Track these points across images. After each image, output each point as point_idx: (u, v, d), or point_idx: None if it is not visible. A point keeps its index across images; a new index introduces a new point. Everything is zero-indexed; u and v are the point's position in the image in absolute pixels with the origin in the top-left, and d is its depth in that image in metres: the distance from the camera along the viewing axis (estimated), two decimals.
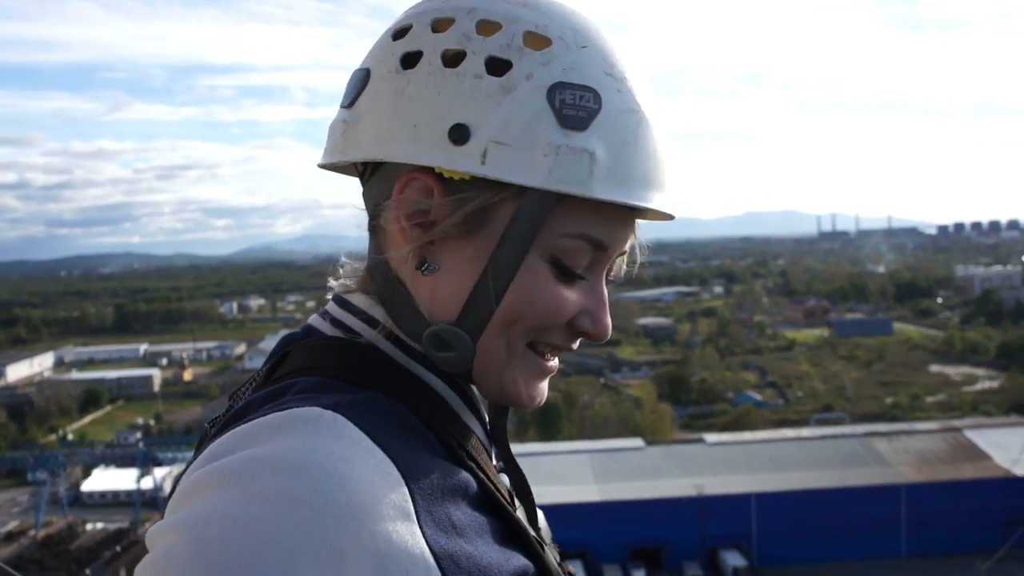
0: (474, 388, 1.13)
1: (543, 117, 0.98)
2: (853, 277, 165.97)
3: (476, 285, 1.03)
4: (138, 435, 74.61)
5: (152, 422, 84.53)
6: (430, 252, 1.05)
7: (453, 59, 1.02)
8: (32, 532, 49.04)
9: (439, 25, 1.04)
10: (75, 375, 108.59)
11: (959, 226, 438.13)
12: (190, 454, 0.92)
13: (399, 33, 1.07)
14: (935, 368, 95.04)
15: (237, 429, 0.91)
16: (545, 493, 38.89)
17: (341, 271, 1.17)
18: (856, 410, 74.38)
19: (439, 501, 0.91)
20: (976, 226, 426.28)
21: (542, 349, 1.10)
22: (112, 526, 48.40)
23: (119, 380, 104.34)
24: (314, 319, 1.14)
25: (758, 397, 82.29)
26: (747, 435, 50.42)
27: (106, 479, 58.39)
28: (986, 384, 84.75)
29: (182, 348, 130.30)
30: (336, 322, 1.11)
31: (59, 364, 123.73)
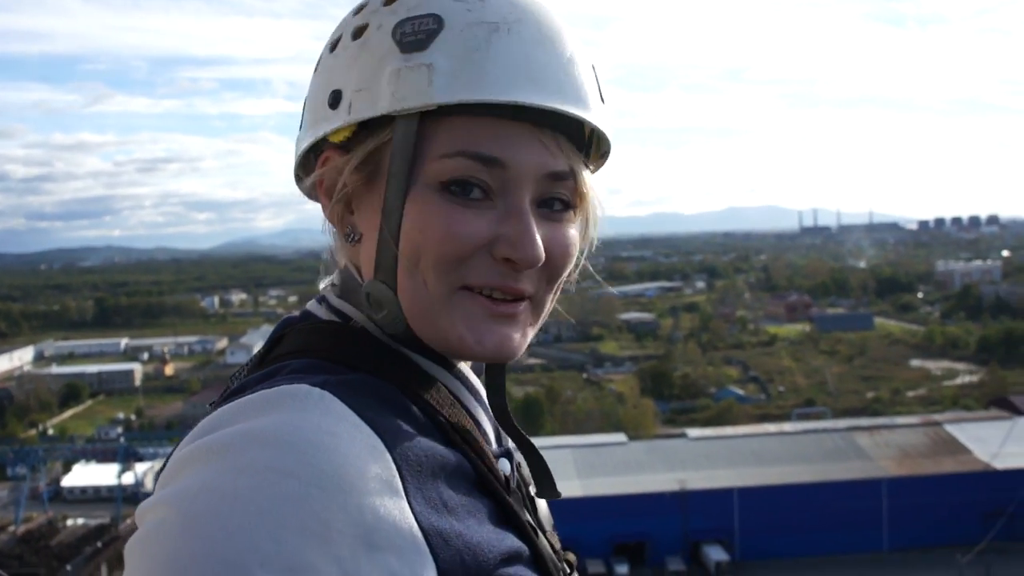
0: (466, 371, 1.15)
1: (389, 54, 1.03)
2: (834, 272, 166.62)
3: (379, 232, 1.05)
4: (119, 430, 74.30)
5: (133, 417, 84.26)
6: (352, 223, 1.10)
7: (332, 45, 1.12)
8: (12, 528, 48.72)
9: (356, 13, 1.12)
10: (55, 369, 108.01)
11: (940, 221, 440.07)
12: (172, 449, 0.96)
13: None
14: (916, 363, 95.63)
15: (226, 406, 0.93)
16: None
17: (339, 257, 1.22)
18: (837, 405, 74.77)
19: (429, 479, 0.92)
20: (956, 221, 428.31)
21: (481, 290, 1.05)
22: (93, 522, 48.16)
23: (100, 375, 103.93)
24: (311, 304, 1.16)
25: (740, 392, 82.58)
26: (729, 430, 50.56)
27: (87, 474, 58.10)
28: (966, 378, 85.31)
29: (163, 342, 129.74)
30: (331, 307, 1.13)
31: (39, 358, 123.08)
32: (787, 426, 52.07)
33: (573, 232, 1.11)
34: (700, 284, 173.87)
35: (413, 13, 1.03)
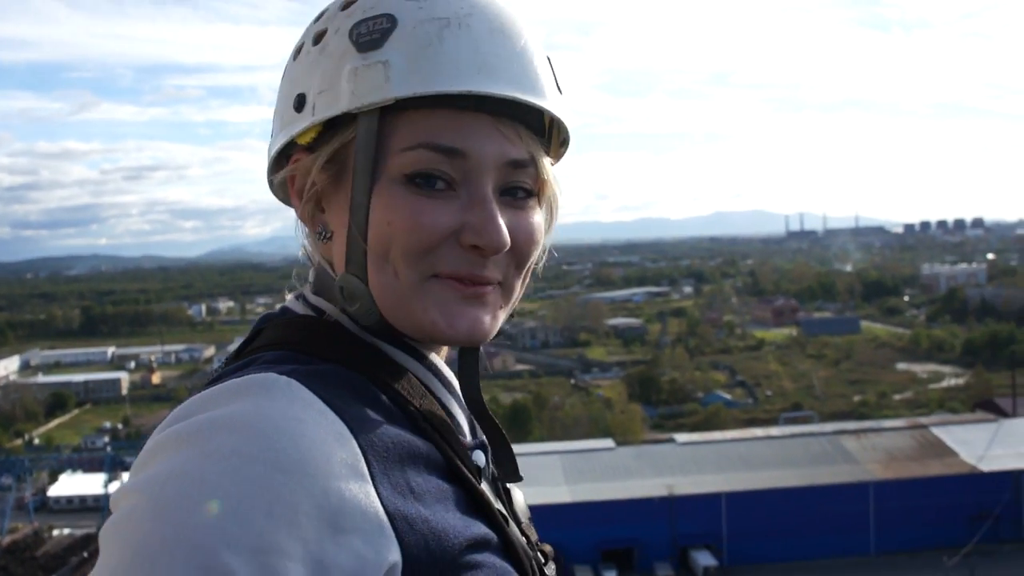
0: (439, 363, 1.17)
1: (347, 54, 1.07)
2: (821, 276, 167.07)
3: (348, 228, 1.08)
4: (106, 439, 74.01)
5: (120, 426, 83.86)
6: (323, 221, 1.13)
7: (295, 52, 1.17)
8: None
9: (318, 19, 1.16)
10: (41, 378, 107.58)
11: (925, 225, 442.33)
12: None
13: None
14: (902, 366, 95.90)
15: (196, 395, 0.96)
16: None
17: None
18: (824, 408, 74.92)
19: (396, 465, 0.94)
20: (942, 225, 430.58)
21: (450, 276, 1.08)
22: (79, 532, 47.86)
23: (86, 383, 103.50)
24: (289, 300, 1.20)
25: (728, 396, 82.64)
26: (717, 435, 50.61)
27: (73, 484, 57.78)
28: (952, 381, 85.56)
29: (150, 351, 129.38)
30: (307, 303, 1.17)
31: (25, 367, 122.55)
32: (774, 430, 52.15)
33: (537, 218, 1.14)
34: (687, 289, 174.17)
35: (368, 14, 1.07)
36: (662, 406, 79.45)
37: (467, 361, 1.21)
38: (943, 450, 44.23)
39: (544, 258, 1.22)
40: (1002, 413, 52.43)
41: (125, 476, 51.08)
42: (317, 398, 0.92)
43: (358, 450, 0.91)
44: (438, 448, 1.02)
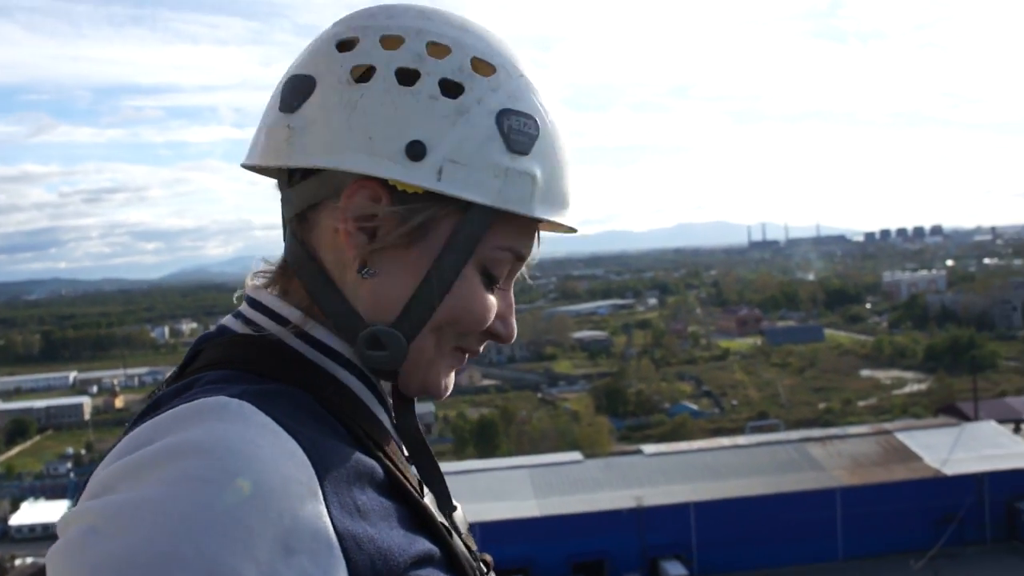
0: (376, 380, 1.17)
1: (493, 140, 1.07)
2: (784, 285, 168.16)
3: (417, 291, 1.09)
4: (68, 465, 73.28)
5: (83, 451, 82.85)
6: (370, 257, 1.10)
7: (406, 77, 1.07)
8: None
9: (388, 42, 1.09)
10: (1, 405, 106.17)
11: (885, 233, 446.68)
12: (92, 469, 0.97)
13: (345, 45, 1.11)
14: (865, 373, 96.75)
15: (147, 423, 0.94)
16: (485, 510, 38.76)
17: (253, 275, 1.22)
18: (790, 416, 75.39)
19: (344, 484, 0.94)
20: (901, 232, 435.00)
21: (464, 350, 1.18)
22: (42, 560, 47.00)
23: (47, 409, 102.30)
24: (227, 319, 1.17)
25: (694, 407, 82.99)
26: (684, 445, 50.78)
27: (36, 512, 57.05)
28: (915, 387, 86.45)
29: (113, 375, 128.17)
30: (247, 321, 1.14)
31: None
32: (741, 439, 52.39)
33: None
34: (652, 301, 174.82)
35: (515, 107, 1.09)
36: (629, 418, 79.64)
37: (406, 399, 1.23)
38: (907, 455, 44.64)
39: None
40: (964, 417, 52.99)
41: None
42: (270, 419, 0.92)
43: (312, 471, 0.91)
44: (381, 465, 1.03)
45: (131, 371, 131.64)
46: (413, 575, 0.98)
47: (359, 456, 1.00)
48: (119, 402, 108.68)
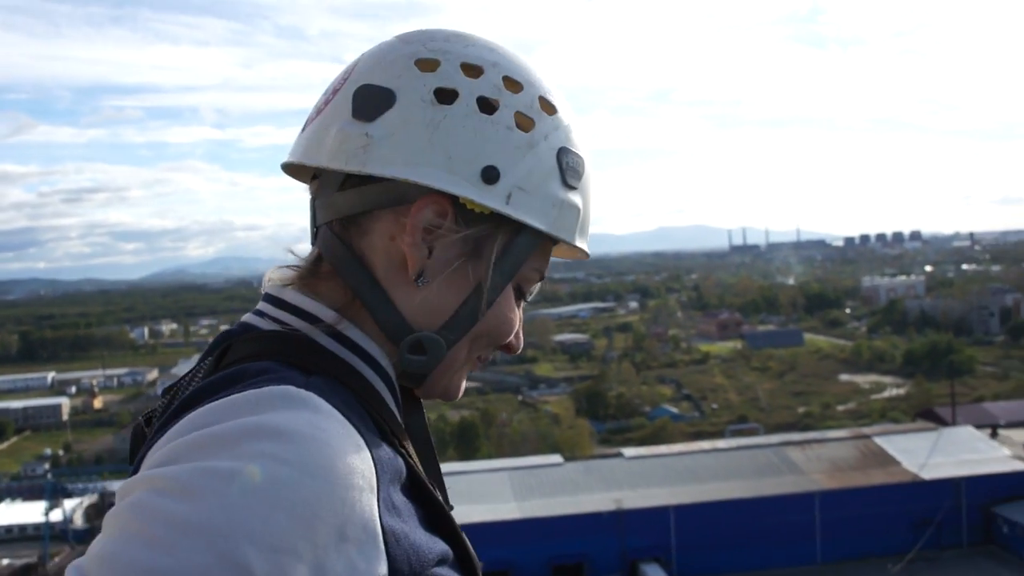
0: (394, 378, 1.21)
1: (553, 174, 1.19)
2: (764, 290, 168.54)
3: (464, 302, 1.18)
4: (46, 466, 72.79)
5: (61, 452, 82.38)
6: (427, 266, 1.16)
7: (486, 106, 1.17)
8: None
9: (468, 70, 1.18)
10: None
11: (865, 238, 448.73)
12: (102, 484, 0.98)
13: (426, 64, 1.18)
14: (845, 377, 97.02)
15: (214, 404, 0.97)
16: (465, 512, 38.77)
17: (272, 274, 1.26)
18: (770, 420, 75.62)
19: (388, 481, 0.99)
20: (881, 238, 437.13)
21: (479, 357, 1.28)
22: (19, 561, 46.93)
23: (25, 410, 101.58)
24: (249, 317, 1.21)
25: (674, 410, 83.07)
26: (664, 448, 50.84)
27: (12, 513, 56.58)
28: (893, 391, 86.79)
29: (92, 375, 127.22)
30: (273, 319, 1.18)
31: None
32: (721, 443, 52.51)
33: None
34: (633, 304, 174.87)
35: (571, 146, 1.22)
36: (609, 421, 79.66)
37: (415, 400, 1.32)
38: (886, 459, 44.86)
39: None
40: (942, 422, 53.29)
41: (67, 503, 50.47)
42: (336, 410, 0.97)
43: (372, 464, 0.95)
44: (406, 464, 1.07)
45: (110, 372, 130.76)
46: (436, 572, 1.02)
47: (395, 455, 1.04)
48: (98, 403, 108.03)
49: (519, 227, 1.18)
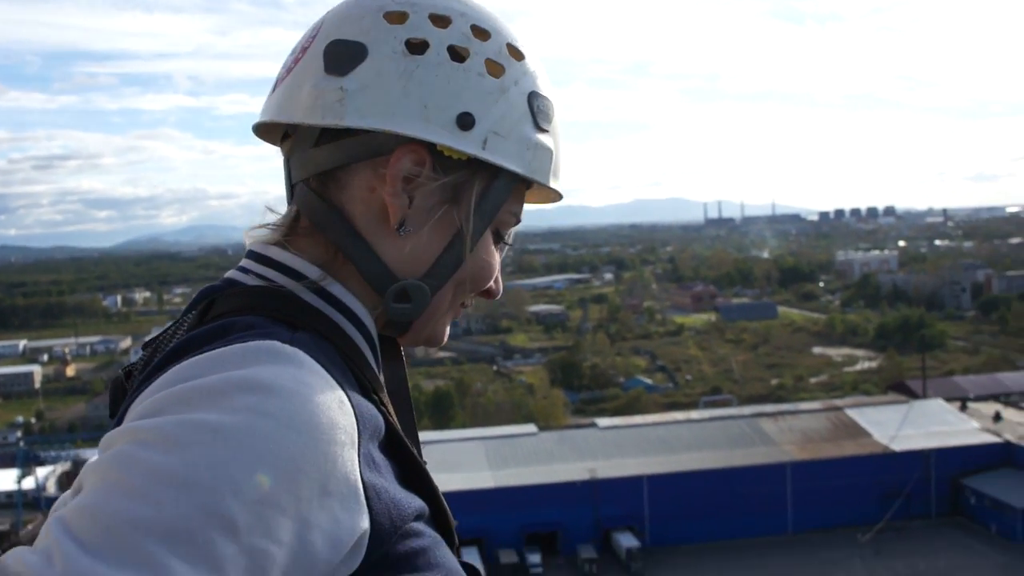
0: (375, 333, 1.22)
1: (525, 118, 1.21)
2: (739, 263, 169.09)
3: (446, 248, 1.19)
4: (18, 434, 72.05)
5: (33, 420, 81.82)
6: (408, 215, 1.17)
7: (456, 54, 1.18)
8: None
9: (437, 20, 1.19)
10: None
11: (839, 212, 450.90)
12: (74, 452, 0.99)
13: (395, 17, 1.19)
14: (818, 350, 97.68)
15: (200, 357, 0.97)
16: (440, 480, 38.38)
17: (251, 233, 1.25)
18: (743, 392, 76.06)
19: (368, 436, 1.00)
20: (855, 213, 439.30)
21: (462, 304, 1.29)
22: None
23: None
24: (232, 273, 1.21)
25: (648, 381, 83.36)
26: (638, 419, 51.18)
27: None
28: (865, 364, 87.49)
29: (64, 343, 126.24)
30: (257, 275, 1.18)
31: None
32: (694, 414, 52.89)
33: None
34: (608, 276, 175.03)
35: (540, 90, 1.24)
36: (584, 391, 79.91)
37: (394, 348, 1.32)
38: (857, 431, 45.33)
39: None
40: (913, 395, 53.88)
41: (39, 471, 50.23)
42: (320, 365, 0.97)
43: (355, 420, 0.96)
44: (385, 421, 1.07)
45: (83, 340, 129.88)
46: (415, 527, 1.04)
47: (376, 411, 1.05)
48: (70, 371, 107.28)
49: (496, 171, 1.19)
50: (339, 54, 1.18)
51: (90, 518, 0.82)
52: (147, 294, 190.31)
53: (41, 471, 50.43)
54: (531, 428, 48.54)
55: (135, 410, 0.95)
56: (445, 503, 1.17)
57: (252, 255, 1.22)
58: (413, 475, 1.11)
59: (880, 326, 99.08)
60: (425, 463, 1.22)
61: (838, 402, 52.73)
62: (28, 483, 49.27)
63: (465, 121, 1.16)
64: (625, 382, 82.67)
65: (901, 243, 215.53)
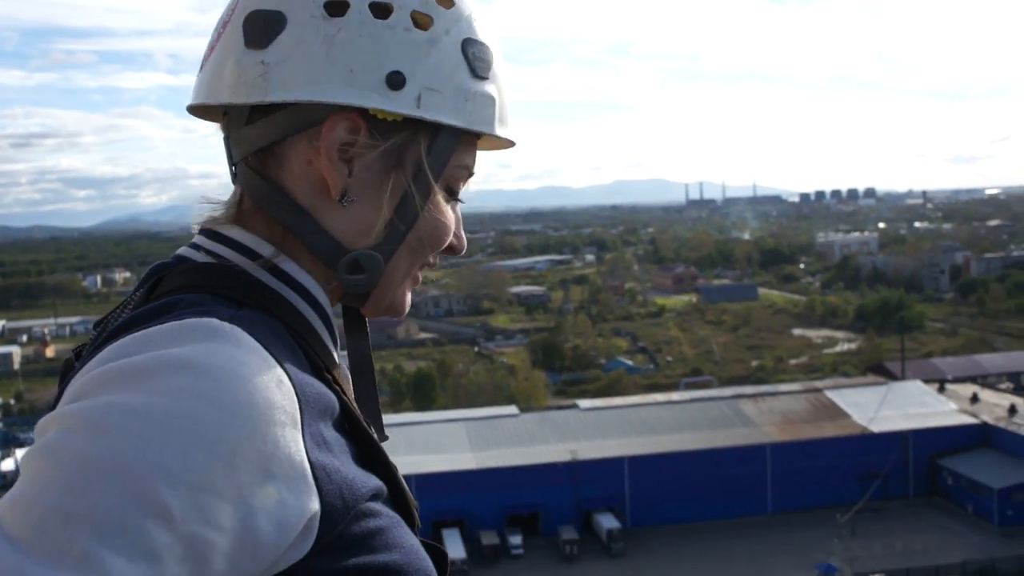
0: (329, 310, 1.18)
1: (460, 68, 1.15)
2: (720, 244, 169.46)
3: (394, 213, 1.14)
4: None
5: (12, 401, 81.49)
6: (349, 185, 1.13)
7: (379, 11, 1.11)
8: None
9: None
10: None
11: (820, 194, 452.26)
12: (72, 373, 0.93)
13: None
14: (798, 331, 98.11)
15: (132, 336, 0.94)
16: (422, 462, 38.96)
17: (198, 219, 1.21)
18: (723, 373, 76.39)
19: (316, 416, 0.97)
20: (836, 194, 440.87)
21: (423, 267, 1.24)
22: None
23: None
24: (184, 250, 1.18)
25: (629, 363, 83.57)
26: (619, 400, 51.36)
27: None
28: (845, 346, 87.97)
29: (43, 324, 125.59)
30: (208, 252, 1.15)
31: None
32: (675, 395, 53.14)
33: None
34: (589, 257, 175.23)
35: (475, 36, 1.17)
36: (565, 372, 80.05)
37: (359, 321, 1.28)
38: (836, 412, 45.65)
39: None
40: (891, 376, 54.27)
41: (19, 452, 50.04)
42: (259, 344, 0.94)
43: (296, 400, 0.93)
44: (339, 400, 1.05)
45: (62, 320, 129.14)
46: (371, 506, 1.01)
47: (325, 390, 1.02)
48: (50, 351, 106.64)
49: (436, 128, 1.15)
50: (258, 26, 1.13)
51: (21, 513, 0.81)
52: (127, 274, 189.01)
53: (20, 452, 50.24)
54: (512, 410, 48.68)
55: (67, 392, 0.92)
56: (404, 483, 1.13)
57: (205, 232, 1.18)
58: (370, 455, 1.07)
59: (859, 308, 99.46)
60: (387, 438, 1.21)
61: (818, 383, 53.06)
62: (8, 464, 49.17)
63: (395, 80, 1.11)
64: (606, 363, 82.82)
65: (881, 225, 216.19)
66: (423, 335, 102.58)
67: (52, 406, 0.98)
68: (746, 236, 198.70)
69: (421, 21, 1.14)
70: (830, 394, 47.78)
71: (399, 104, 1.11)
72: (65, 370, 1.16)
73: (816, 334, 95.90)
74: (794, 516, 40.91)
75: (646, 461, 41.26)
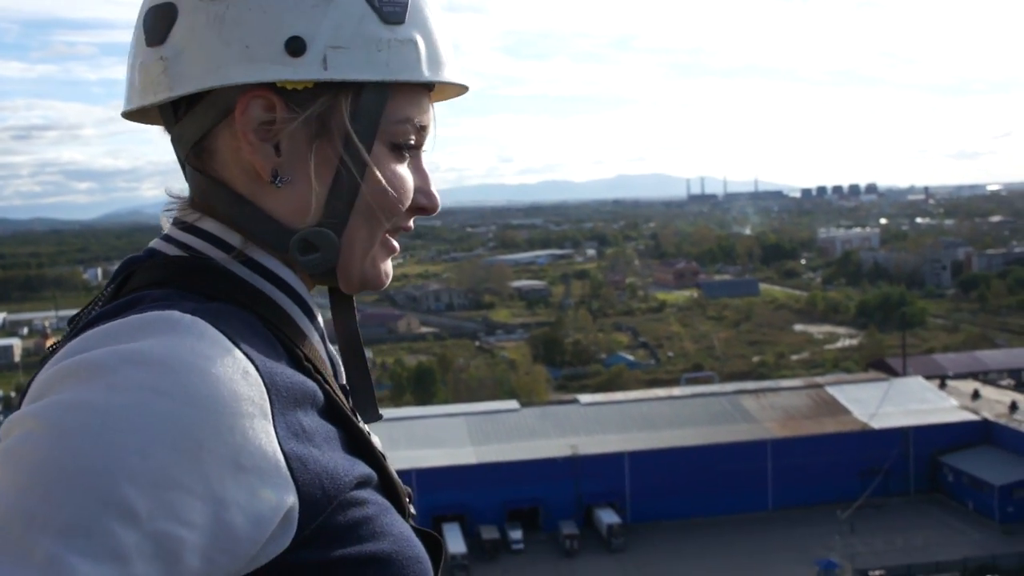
0: (308, 299, 1.15)
1: (367, 17, 1.07)
2: (721, 239, 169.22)
3: (332, 184, 1.09)
4: None
5: (13, 394, 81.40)
6: (279, 165, 1.08)
7: None
8: None
9: None
10: None
11: (821, 190, 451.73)
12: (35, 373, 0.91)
13: None
14: (799, 327, 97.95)
15: (95, 330, 0.93)
16: (422, 456, 38.95)
17: (165, 220, 1.20)
18: (724, 369, 76.25)
19: (291, 406, 0.94)
20: (837, 190, 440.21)
21: (393, 232, 1.18)
22: None
23: None
24: (155, 242, 1.16)
25: (630, 358, 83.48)
26: (620, 395, 51.29)
27: None
28: (846, 342, 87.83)
29: (44, 316, 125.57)
30: (180, 244, 1.12)
31: None
32: (676, 390, 53.11)
33: None
34: (590, 252, 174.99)
35: None
36: (566, 367, 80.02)
37: (345, 300, 1.24)
38: (837, 408, 45.59)
39: None
40: (893, 372, 54.18)
41: None
42: (223, 336, 0.92)
43: (264, 390, 0.91)
44: (321, 389, 1.02)
45: (63, 312, 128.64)
46: (357, 495, 0.99)
47: (303, 379, 0.99)
48: (50, 344, 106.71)
49: (358, 87, 1.08)
50: (153, 22, 1.10)
51: None
52: None
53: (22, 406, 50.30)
54: (513, 404, 48.61)
55: (31, 388, 0.91)
56: (391, 469, 1.11)
57: (180, 223, 1.15)
58: (355, 442, 1.05)
59: (861, 304, 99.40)
60: (380, 417, 1.20)
61: (819, 379, 52.98)
62: None
63: (295, 46, 1.04)
64: (607, 358, 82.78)
65: (883, 221, 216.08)
66: (424, 329, 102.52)
67: (19, 403, 0.95)
68: (747, 231, 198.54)
69: None
70: (831, 390, 47.71)
71: (304, 71, 1.05)
72: (40, 367, 1.09)
73: (817, 330, 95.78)
74: (795, 512, 40.86)
75: (647, 456, 41.22)
